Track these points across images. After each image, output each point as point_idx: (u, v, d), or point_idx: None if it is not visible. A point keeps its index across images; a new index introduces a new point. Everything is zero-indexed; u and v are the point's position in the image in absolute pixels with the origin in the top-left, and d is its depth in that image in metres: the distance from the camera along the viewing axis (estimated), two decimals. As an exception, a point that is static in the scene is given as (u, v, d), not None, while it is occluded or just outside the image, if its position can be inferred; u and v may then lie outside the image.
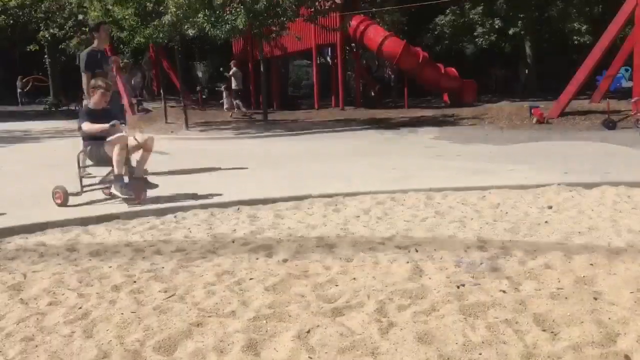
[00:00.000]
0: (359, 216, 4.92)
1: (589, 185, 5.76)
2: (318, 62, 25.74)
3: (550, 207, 4.98)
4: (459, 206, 5.18)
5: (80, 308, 2.98)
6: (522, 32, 27.56)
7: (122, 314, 2.87)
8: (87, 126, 5.89)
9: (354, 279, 3.27)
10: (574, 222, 4.42)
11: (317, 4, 15.59)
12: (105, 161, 5.93)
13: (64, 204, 5.73)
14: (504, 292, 2.98)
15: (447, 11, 27.20)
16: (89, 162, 6.35)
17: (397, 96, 26.68)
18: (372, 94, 25.21)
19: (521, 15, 26.39)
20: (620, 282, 3.03)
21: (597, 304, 2.78)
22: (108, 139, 5.81)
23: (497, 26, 26.35)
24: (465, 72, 25.53)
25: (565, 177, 6.50)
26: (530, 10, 27.27)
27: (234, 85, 20.33)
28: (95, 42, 7.72)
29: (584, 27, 25.55)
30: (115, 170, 5.73)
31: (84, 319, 2.82)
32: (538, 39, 30.09)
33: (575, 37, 25.57)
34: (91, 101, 6.18)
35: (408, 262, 3.48)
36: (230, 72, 20.60)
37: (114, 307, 2.98)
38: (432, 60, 23.33)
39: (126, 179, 5.83)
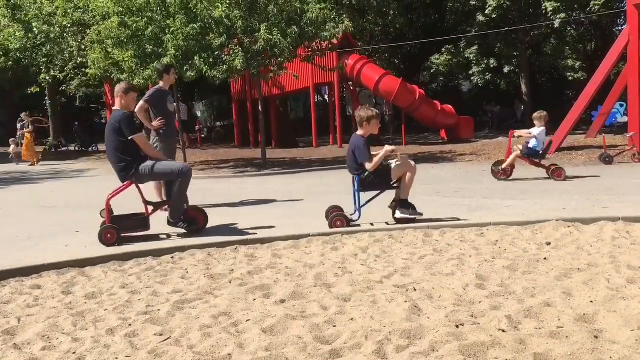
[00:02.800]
0: (357, 254, 4.90)
1: (587, 221, 5.75)
2: (316, 100, 26.01)
3: (549, 244, 4.96)
4: (457, 243, 5.16)
5: (74, 353, 2.93)
6: (516, 70, 27.97)
7: (117, 358, 2.83)
8: (371, 166, 6.22)
9: (352, 319, 3.24)
10: (572, 258, 4.40)
11: (314, 44, 15.82)
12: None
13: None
14: (503, 331, 2.94)
15: (443, 50, 27.63)
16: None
17: (394, 133, 26.90)
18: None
19: (515, 54, 26.81)
20: (621, 320, 2.99)
21: (598, 342, 2.74)
22: (395, 164, 6.25)
23: (492, 65, 26.73)
24: (461, 108, 25.83)
25: (563, 213, 6.50)
26: (524, 49, 27.72)
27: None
28: (162, 83, 8.36)
29: (578, 63, 25.93)
30: (403, 196, 6.27)
31: (78, 364, 2.78)
32: (533, 75, 30.52)
33: (569, 74, 25.91)
34: (364, 131, 6.35)
35: (406, 301, 3.45)
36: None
37: (108, 351, 2.93)
38: (429, 98, 23.60)
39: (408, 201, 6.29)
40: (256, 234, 6.06)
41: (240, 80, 24.99)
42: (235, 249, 5.35)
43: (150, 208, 6.32)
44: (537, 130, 10.16)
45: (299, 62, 17.14)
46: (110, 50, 15.09)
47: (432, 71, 29.23)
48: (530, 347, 2.72)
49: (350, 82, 24.66)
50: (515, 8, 26.18)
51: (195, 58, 13.83)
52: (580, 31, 31.11)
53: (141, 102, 8.22)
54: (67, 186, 13.29)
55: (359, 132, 6.40)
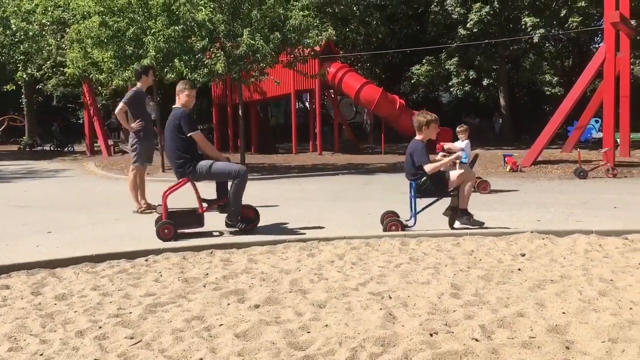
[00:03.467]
0: (333, 261, 4.89)
1: (561, 234, 5.82)
2: (297, 107, 26.02)
3: (524, 255, 5.00)
4: (433, 252, 5.18)
5: (41, 355, 2.87)
6: (495, 84, 28.32)
7: (85, 361, 2.77)
8: (430, 167, 6.21)
9: (326, 325, 3.22)
10: (546, 269, 4.44)
11: (296, 50, 15.84)
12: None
13: None
14: (476, 340, 2.95)
15: (424, 61, 27.87)
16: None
17: (374, 142, 27.02)
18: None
19: (495, 67, 27.16)
20: (592, 332, 3.02)
21: (569, 353, 2.76)
22: (454, 173, 6.29)
23: (471, 77, 27.04)
24: (441, 120, 26.00)
25: (538, 225, 6.57)
26: (504, 62, 28.10)
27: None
28: (139, 84, 8.32)
29: (555, 79, 26.35)
30: (462, 205, 6.29)
31: (45, 366, 2.72)
32: (511, 89, 30.94)
33: (547, 89, 26.32)
34: (422, 135, 6.37)
35: (381, 309, 3.44)
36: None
37: (77, 353, 2.87)
38: (409, 108, 23.75)
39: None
40: (232, 238, 6.02)
41: (221, 85, 24.88)
42: (211, 253, 5.30)
43: (205, 205, 6.48)
44: (463, 143, 10.26)
45: (281, 68, 17.15)
46: (89, 49, 14.94)
47: (412, 81, 29.46)
48: (503, 357, 2.73)
49: (332, 90, 24.73)
50: (496, 22, 26.57)
51: (176, 60, 13.75)
52: (559, 47, 31.71)
53: (120, 104, 8.18)
54: (42, 186, 13.07)
55: (418, 136, 6.41)
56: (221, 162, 6.43)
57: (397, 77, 34.02)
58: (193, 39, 13.80)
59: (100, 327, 3.25)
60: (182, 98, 6.40)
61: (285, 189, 11.59)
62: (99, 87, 20.74)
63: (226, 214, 6.49)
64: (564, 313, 3.36)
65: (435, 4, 27.73)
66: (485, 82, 27.29)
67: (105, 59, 14.33)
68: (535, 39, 25.05)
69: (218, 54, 14.23)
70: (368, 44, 32.52)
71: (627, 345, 2.83)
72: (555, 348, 2.80)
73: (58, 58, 21.33)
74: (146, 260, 5.04)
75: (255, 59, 14.48)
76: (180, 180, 6.39)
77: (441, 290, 3.88)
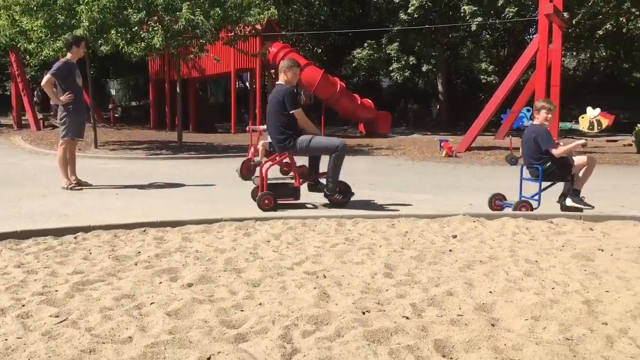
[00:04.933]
0: (269, 241, 4.87)
1: (491, 217, 6.02)
2: (237, 86, 25.66)
3: (455, 237, 5.14)
4: (368, 233, 5.25)
5: (-42, 334, 2.72)
6: (434, 70, 28.85)
7: (6, 339, 2.65)
8: (560, 150, 6.44)
9: (260, 304, 3.21)
10: (476, 251, 4.59)
11: (237, 28, 15.56)
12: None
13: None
14: (407, 318, 3.01)
15: (365, 45, 28.03)
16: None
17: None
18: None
19: (434, 54, 27.64)
20: (516, 310, 3.14)
21: (494, 330, 2.87)
22: (577, 160, 6.58)
23: (411, 62, 27.42)
24: (381, 104, 26.36)
25: (470, 209, 6.77)
26: (443, 50, 28.62)
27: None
28: (69, 55, 8.03)
29: (491, 67, 27.08)
30: (578, 186, 6.59)
31: (-39, 346, 2.58)
32: (449, 76, 31.60)
33: (482, 77, 27.03)
34: (540, 120, 6.60)
35: (315, 288, 3.46)
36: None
37: (-3, 332, 2.74)
38: (350, 91, 23.88)
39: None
40: (167, 216, 5.89)
41: (159, 60, 24.23)
42: (144, 231, 5.17)
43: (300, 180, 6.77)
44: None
45: (221, 45, 16.83)
46: (17, 17, 14.15)
47: (353, 65, 29.59)
48: (432, 334, 2.80)
49: (273, 70, 24.52)
50: (436, 9, 26.99)
51: (112, 32, 13.24)
52: (495, 36, 32.56)
53: (47, 76, 7.82)
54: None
55: (536, 121, 6.66)
56: (320, 137, 6.75)
57: (339, 60, 34.08)
58: (129, 10, 13.30)
59: (23, 305, 3.12)
60: (289, 75, 6.64)
61: (222, 168, 11.45)
62: (27, 57, 19.71)
63: (324, 188, 6.81)
64: (490, 292, 3.47)
65: (377, -13, 27.92)
66: (424, 68, 27.79)
67: (35, 28, 13.62)
68: (474, 27, 25.63)
69: (156, 28, 13.81)
70: (310, 26, 32.37)
71: (548, 322, 2.96)
72: (481, 325, 2.90)
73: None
74: (75, 237, 4.87)
75: (194, 34, 14.15)
76: (282, 154, 6.71)
77: (375, 270, 3.93)
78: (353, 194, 6.97)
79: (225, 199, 7.20)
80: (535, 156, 6.60)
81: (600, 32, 27.72)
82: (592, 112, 23.32)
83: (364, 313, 3.06)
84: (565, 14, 17.95)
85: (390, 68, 28.36)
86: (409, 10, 25.86)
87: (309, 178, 6.97)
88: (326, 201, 6.91)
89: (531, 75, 17.95)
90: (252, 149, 9.85)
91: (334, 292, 3.43)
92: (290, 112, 6.50)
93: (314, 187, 6.98)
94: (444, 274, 3.87)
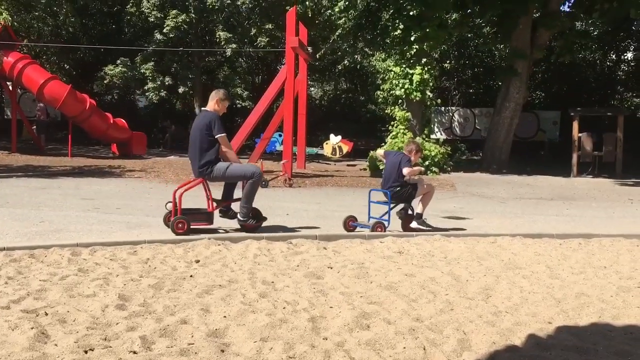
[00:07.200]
0: None
1: (235, 239, 6.13)
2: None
3: (198, 261, 5.12)
4: (106, 262, 4.94)
5: None
6: (191, 92, 28.87)
7: None
8: (408, 170, 7.22)
9: (-40, 354, 2.77)
10: (216, 275, 4.61)
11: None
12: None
13: None
14: (135, 352, 2.87)
15: (118, 62, 26.88)
16: None
17: (62, 143, 24.91)
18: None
19: (191, 76, 27.69)
20: (247, 333, 3.21)
21: (224, 356, 2.89)
22: (422, 183, 7.45)
23: (167, 83, 27.08)
24: (137, 124, 25.41)
25: (216, 233, 6.81)
26: (200, 72, 28.83)
27: None
28: None
29: (246, 93, 28.07)
30: (421, 210, 7.39)
31: None
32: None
33: (238, 102, 27.85)
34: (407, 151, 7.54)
35: (32, 328, 3.11)
36: None
37: None
38: (101, 109, 22.59)
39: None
40: None
41: None
42: None
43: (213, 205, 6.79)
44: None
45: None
46: None
47: (105, 82, 28.04)
48: (159, 367, 2.70)
49: (10, 82, 22.01)
50: (192, 32, 27.09)
51: None
52: (250, 64, 33.87)
53: None
54: None
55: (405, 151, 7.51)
56: (237, 165, 6.81)
57: (90, 76, 32.00)
58: None
59: None
60: (220, 107, 6.90)
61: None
62: None
63: (236, 213, 6.90)
64: (225, 317, 3.50)
65: (131, 4, 27.01)
66: (181, 89, 27.59)
67: None
68: (228, 53, 26.30)
69: None
70: (57, 37, 29.89)
71: (275, 342, 3.08)
72: (210, 352, 2.89)
73: None
74: None
75: None
76: (196, 179, 6.75)
77: (107, 302, 3.70)
78: (265, 218, 7.08)
79: None
80: (398, 180, 7.23)
81: (340, 67, 30.65)
82: (334, 139, 25.64)
83: (86, 352, 2.85)
84: (310, 48, 19.46)
85: (146, 87, 27.58)
86: (164, 30, 25.54)
87: (223, 204, 7.03)
88: (237, 226, 6.98)
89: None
90: None
91: (55, 331, 3.13)
92: (216, 136, 6.62)
93: (226, 214, 7.07)
94: (181, 301, 3.80)
